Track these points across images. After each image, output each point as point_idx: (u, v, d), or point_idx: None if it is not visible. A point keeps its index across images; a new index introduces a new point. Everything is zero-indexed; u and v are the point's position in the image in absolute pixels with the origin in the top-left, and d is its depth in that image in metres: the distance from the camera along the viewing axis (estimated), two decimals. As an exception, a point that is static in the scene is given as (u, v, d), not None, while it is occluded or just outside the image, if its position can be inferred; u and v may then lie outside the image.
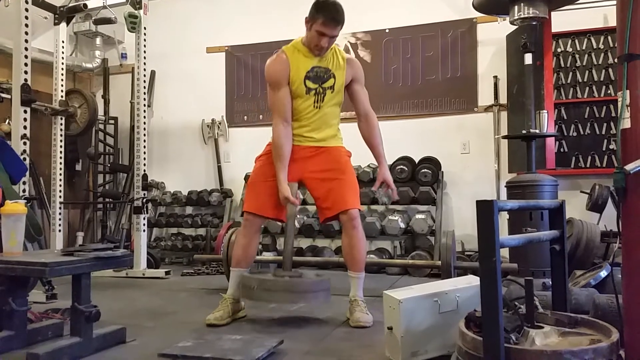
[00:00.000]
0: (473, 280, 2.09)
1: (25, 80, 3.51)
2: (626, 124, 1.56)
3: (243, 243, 2.71)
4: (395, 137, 4.96)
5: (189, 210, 5.58)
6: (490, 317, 1.43)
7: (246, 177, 5.20)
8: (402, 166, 4.68)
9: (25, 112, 3.48)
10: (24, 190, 3.36)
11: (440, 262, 3.21)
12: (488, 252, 1.44)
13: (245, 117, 5.60)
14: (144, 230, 4.50)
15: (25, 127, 3.47)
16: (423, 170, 4.62)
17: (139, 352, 2.16)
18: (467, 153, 4.82)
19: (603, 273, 2.86)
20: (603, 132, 4.43)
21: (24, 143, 3.46)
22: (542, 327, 1.61)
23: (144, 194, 4.51)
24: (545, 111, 3.94)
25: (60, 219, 4.77)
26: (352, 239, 2.65)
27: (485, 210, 1.46)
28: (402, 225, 4.44)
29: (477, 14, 4.53)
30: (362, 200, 4.69)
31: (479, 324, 1.66)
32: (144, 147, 4.59)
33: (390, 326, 1.94)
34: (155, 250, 5.27)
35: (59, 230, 4.79)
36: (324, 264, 3.51)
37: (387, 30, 5.11)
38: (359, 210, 2.71)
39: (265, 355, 1.96)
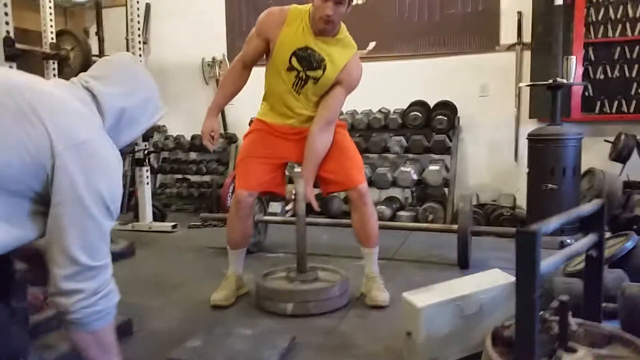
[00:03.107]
0: (497, 278, 1.95)
1: (8, 32, 3.21)
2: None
3: (239, 227, 2.53)
4: (410, 78, 4.68)
5: (192, 155, 5.40)
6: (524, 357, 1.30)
7: (251, 122, 4.97)
8: (416, 112, 4.43)
9: (10, 67, 3.22)
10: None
11: (457, 226, 3.07)
12: (527, 287, 1.28)
13: (249, 55, 5.25)
14: (148, 183, 4.36)
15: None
16: (438, 117, 4.36)
17: (146, 349, 2.08)
18: (486, 96, 4.53)
19: (629, 244, 2.72)
20: (633, 75, 4.11)
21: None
22: (575, 351, 1.49)
23: (145, 145, 4.32)
24: (574, 57, 3.63)
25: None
26: (363, 215, 2.49)
27: (527, 242, 1.28)
28: (415, 177, 4.27)
29: (503, -59, 4.07)
30: (373, 148, 4.53)
31: (506, 342, 1.55)
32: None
33: (409, 331, 1.83)
34: (161, 197, 5.18)
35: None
36: (333, 225, 3.39)
37: (401, -42, 4.64)
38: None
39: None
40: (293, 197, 2.42)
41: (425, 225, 3.32)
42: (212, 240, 3.86)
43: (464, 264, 3.05)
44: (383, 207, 4.34)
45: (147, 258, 3.47)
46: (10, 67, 3.24)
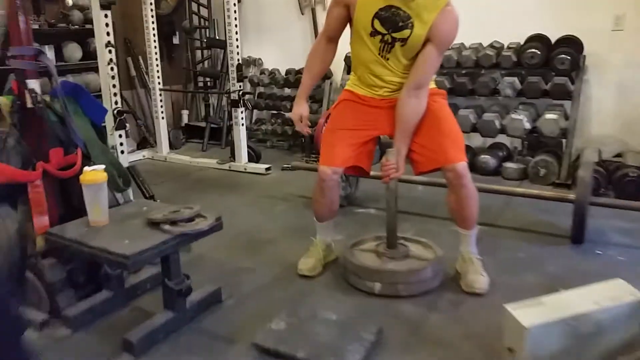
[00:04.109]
0: (621, 292, 1.67)
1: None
2: None
3: (325, 203, 2.38)
4: (527, 8, 4.08)
5: (287, 91, 5.25)
6: None
7: (347, 58, 4.68)
8: (533, 49, 3.88)
9: (105, 16, 3.17)
10: (115, 102, 3.22)
11: (573, 196, 2.71)
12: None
13: (347, -19, 4.85)
14: (243, 125, 4.33)
15: (108, 34, 3.20)
16: (560, 56, 3.80)
17: (233, 323, 2.09)
18: (620, 30, 3.84)
19: None
20: None
21: (109, 51, 3.22)
22: None
23: (240, 86, 4.23)
24: None
25: (162, 106, 4.76)
26: (460, 197, 2.21)
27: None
28: (528, 126, 3.81)
29: None
30: (480, 90, 4.09)
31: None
32: (235, 19, 4.20)
33: (511, 347, 1.64)
34: (257, 133, 5.17)
35: (162, 117, 4.80)
36: (428, 184, 3.16)
37: None
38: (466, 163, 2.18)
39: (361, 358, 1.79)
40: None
41: (535, 192, 2.97)
42: (303, 187, 3.79)
43: (578, 239, 2.72)
44: (487, 157, 3.99)
45: (240, 207, 3.49)
46: (106, 15, 3.19)
